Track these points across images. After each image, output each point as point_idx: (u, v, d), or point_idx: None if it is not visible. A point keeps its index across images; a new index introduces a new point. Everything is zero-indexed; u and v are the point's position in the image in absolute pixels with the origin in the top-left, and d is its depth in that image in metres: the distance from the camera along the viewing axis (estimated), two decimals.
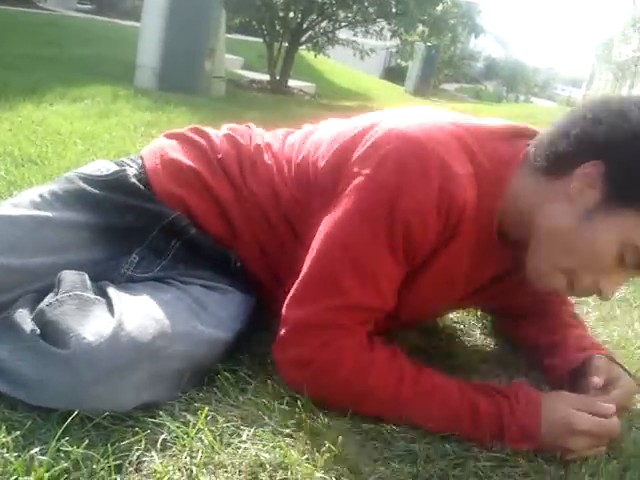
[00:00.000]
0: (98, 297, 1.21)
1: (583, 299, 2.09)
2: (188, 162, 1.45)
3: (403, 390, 1.21)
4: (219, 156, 1.46)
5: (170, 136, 1.55)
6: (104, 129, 3.72)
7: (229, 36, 9.19)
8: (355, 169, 1.23)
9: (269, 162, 1.44)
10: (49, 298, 1.19)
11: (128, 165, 1.45)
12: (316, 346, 1.21)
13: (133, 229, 1.38)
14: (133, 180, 1.41)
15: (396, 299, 1.27)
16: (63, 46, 8.59)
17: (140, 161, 1.47)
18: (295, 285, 1.25)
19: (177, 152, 1.48)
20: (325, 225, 1.24)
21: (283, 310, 1.25)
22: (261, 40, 9.45)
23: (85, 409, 1.09)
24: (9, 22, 10.35)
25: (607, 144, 1.15)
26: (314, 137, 1.44)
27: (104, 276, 1.32)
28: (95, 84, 5.53)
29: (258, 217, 1.42)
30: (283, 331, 1.24)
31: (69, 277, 1.24)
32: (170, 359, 1.18)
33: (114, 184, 1.40)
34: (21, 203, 1.37)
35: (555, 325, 1.57)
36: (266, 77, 9.41)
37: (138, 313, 1.17)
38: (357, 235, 1.20)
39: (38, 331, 1.14)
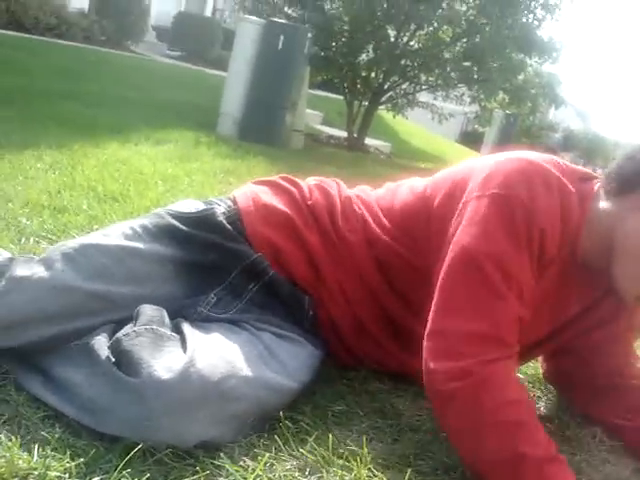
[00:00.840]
0: (173, 334, 1.24)
1: None
2: (280, 206, 1.50)
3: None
4: (309, 203, 1.51)
5: (261, 183, 1.61)
6: (185, 172, 3.82)
7: (311, 91, 9.37)
8: (476, 193, 1.29)
9: (359, 211, 1.49)
10: (127, 329, 1.23)
11: (217, 204, 1.51)
12: (480, 360, 1.19)
13: (215, 267, 1.42)
14: (220, 219, 1.46)
15: None
16: (151, 90, 8.87)
17: (229, 202, 1.52)
18: (437, 297, 1.26)
19: (269, 197, 1.53)
20: (458, 243, 1.27)
21: (430, 324, 1.25)
22: (342, 97, 9.59)
23: (149, 440, 1.11)
24: (101, 63, 10.77)
25: None
26: (409, 183, 1.50)
27: (181, 312, 1.35)
28: (179, 129, 5.69)
29: (346, 263, 1.44)
30: (440, 340, 1.23)
31: (148, 311, 1.27)
32: (236, 401, 1.19)
33: (201, 221, 1.46)
34: (112, 233, 1.42)
35: (638, 403, 1.55)
36: (344, 134, 9.51)
37: (210, 352, 1.20)
38: (501, 244, 1.23)
39: (113, 359, 1.17)
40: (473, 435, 1.18)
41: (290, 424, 1.28)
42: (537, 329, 1.43)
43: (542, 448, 1.16)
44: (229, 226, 1.46)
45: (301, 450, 1.22)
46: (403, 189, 1.51)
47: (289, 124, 6.99)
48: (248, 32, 6.85)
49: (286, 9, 9.05)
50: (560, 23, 9.62)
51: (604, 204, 1.33)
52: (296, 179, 1.61)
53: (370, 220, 1.48)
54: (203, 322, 1.35)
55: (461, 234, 1.27)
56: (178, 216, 1.47)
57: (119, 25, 16.48)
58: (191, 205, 1.51)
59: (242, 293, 1.43)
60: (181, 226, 1.44)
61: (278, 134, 6.78)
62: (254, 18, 7.16)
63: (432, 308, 1.26)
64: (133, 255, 1.38)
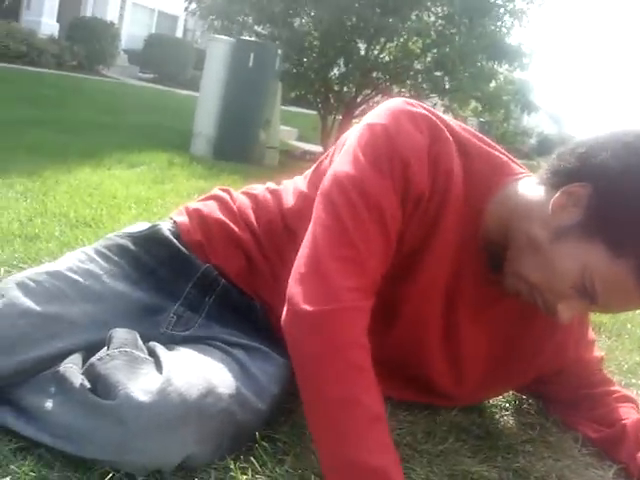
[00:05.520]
0: (147, 357, 1.23)
1: (632, 382, 2.04)
2: (211, 213, 1.52)
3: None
4: (236, 204, 1.53)
5: (200, 199, 1.64)
6: (158, 195, 3.80)
7: (285, 108, 9.39)
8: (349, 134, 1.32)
9: (274, 195, 1.51)
10: (100, 353, 1.21)
11: (162, 223, 1.53)
12: (345, 287, 1.16)
13: (169, 283, 1.43)
14: (167, 234, 1.48)
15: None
16: (123, 113, 8.86)
17: (171, 220, 1.54)
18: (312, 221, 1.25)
19: (199, 205, 1.56)
20: (330, 170, 1.28)
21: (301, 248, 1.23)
22: (316, 112, 9.61)
23: (130, 462, 1.10)
24: (73, 89, 10.76)
25: (601, 170, 1.14)
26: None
27: (145, 333, 1.33)
28: (152, 151, 5.68)
29: (270, 248, 1.46)
30: (307, 264, 1.20)
31: (121, 335, 1.26)
32: (215, 418, 1.17)
33: (150, 239, 1.48)
34: (65, 260, 1.43)
35: (608, 415, 1.54)
36: (319, 148, 9.53)
37: (186, 370, 1.19)
38: (364, 169, 1.22)
39: (88, 385, 1.15)
40: (318, 362, 1.13)
41: (267, 444, 1.25)
42: (433, 301, 1.37)
43: (378, 403, 1.11)
44: (175, 240, 1.47)
45: (278, 471, 1.20)
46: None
47: (263, 141, 7.00)
48: (218, 51, 6.88)
49: (256, 27, 9.08)
50: (529, 30, 9.73)
51: (529, 189, 1.27)
52: (230, 188, 1.63)
53: (284, 196, 1.49)
54: (174, 345, 1.34)
55: (333, 165, 1.29)
56: (127, 236, 1.49)
57: (90, 50, 16.52)
58: (139, 226, 1.53)
59: (200, 307, 1.43)
60: (131, 245, 1.46)
61: (252, 152, 6.78)
62: (224, 37, 7.19)
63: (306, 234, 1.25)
64: (87, 276, 1.38)
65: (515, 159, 1.37)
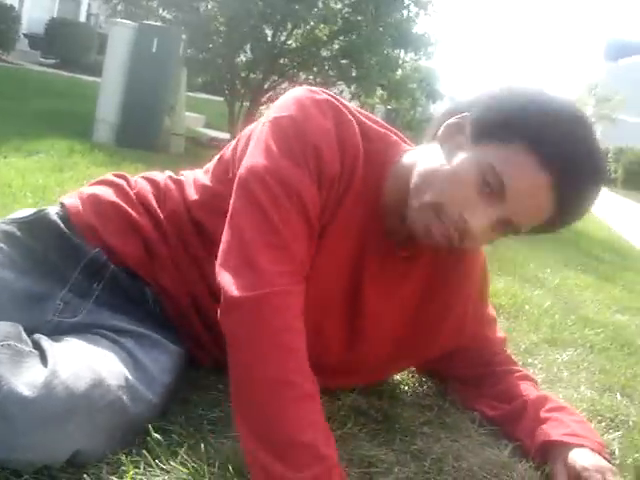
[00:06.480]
0: (32, 349, 1.18)
1: (529, 362, 2.10)
2: (107, 196, 1.48)
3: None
4: (134, 191, 1.51)
5: (91, 183, 1.59)
6: (56, 183, 3.68)
7: (192, 94, 9.27)
8: (261, 122, 1.33)
9: (178, 184, 1.50)
10: None
11: (50, 208, 1.47)
12: (275, 271, 1.18)
13: (56, 269, 1.39)
14: (54, 218, 1.44)
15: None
16: (23, 99, 8.56)
17: (60, 204, 1.49)
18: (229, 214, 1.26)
19: (94, 189, 1.52)
20: (242, 166, 1.28)
21: (223, 241, 1.24)
22: (222, 99, 9.52)
23: (16, 460, 1.06)
24: None
25: (474, 100, 1.28)
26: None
27: (31, 323, 1.29)
28: (52, 138, 5.50)
29: (172, 238, 1.44)
30: (235, 253, 1.21)
31: (3, 328, 1.20)
32: (104, 410, 1.14)
33: (36, 224, 1.43)
34: None
35: (509, 391, 1.58)
36: (226, 136, 9.45)
37: (73, 362, 1.15)
38: (279, 160, 1.24)
39: None
40: (250, 346, 1.15)
41: (160, 437, 1.22)
42: (338, 277, 1.39)
43: (309, 382, 1.14)
44: (63, 225, 1.43)
45: (172, 463, 1.17)
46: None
47: (168, 128, 6.88)
48: (121, 36, 6.73)
49: (161, 11, 8.91)
50: (434, 19, 9.89)
51: (420, 151, 1.33)
52: (125, 174, 1.60)
53: (186, 187, 1.48)
54: (57, 332, 1.30)
55: (245, 158, 1.29)
56: (12, 222, 1.44)
57: None
58: (24, 211, 1.48)
59: (88, 293, 1.39)
60: (16, 231, 1.42)
61: (157, 138, 6.66)
62: (127, 22, 7.02)
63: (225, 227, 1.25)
64: None
65: (406, 139, 1.42)
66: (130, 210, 1.46)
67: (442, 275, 1.50)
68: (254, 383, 1.13)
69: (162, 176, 1.56)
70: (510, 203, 1.19)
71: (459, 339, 1.60)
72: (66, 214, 1.45)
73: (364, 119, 1.36)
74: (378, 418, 1.50)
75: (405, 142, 1.41)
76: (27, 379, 1.08)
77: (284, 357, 1.13)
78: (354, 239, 1.36)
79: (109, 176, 1.58)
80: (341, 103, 1.33)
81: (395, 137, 1.40)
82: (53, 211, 1.46)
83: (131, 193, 1.50)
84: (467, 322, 1.59)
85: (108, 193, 1.50)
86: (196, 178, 1.49)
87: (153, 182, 1.53)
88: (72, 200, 1.49)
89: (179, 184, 1.50)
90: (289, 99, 1.31)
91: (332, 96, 1.33)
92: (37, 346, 1.21)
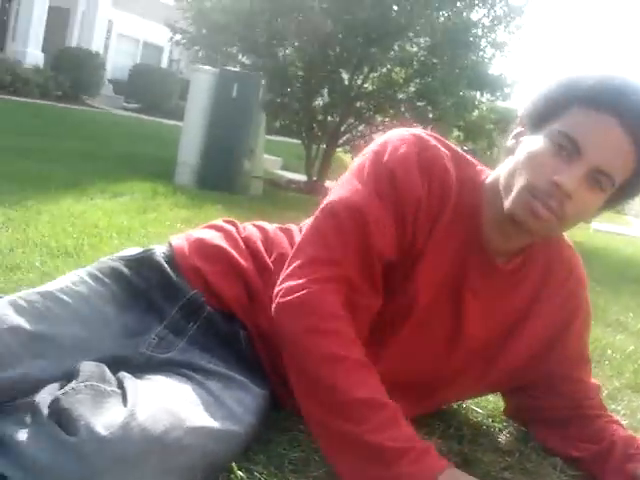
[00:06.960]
0: (114, 389, 1.22)
1: (612, 409, 2.05)
2: (213, 240, 1.56)
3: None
4: (243, 235, 1.58)
5: (201, 227, 1.67)
6: (141, 224, 3.79)
7: (269, 137, 9.41)
8: None
9: (290, 231, 1.60)
10: (66, 387, 1.20)
11: (157, 248, 1.55)
12: (315, 278, 1.29)
13: (156, 306, 1.46)
14: (159, 258, 1.51)
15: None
16: (107, 143, 8.86)
17: (167, 245, 1.57)
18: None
19: (202, 233, 1.60)
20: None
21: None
22: (300, 142, 9.64)
23: None
24: (58, 118, 10.75)
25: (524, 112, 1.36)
26: None
27: (124, 354, 1.36)
28: (136, 180, 5.68)
29: (277, 279, 1.46)
30: (291, 272, 1.33)
31: (87, 368, 1.25)
32: (181, 452, 1.16)
33: (142, 262, 1.51)
34: (58, 282, 1.44)
35: (597, 433, 1.55)
36: (304, 178, 9.55)
37: (152, 404, 1.18)
38: (353, 188, 1.35)
39: (54, 417, 1.14)
40: (300, 343, 1.27)
41: (243, 474, 1.25)
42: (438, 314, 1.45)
43: (357, 355, 1.27)
44: (167, 265, 1.50)
45: None
46: None
47: (247, 170, 7.00)
48: (202, 81, 6.90)
49: (240, 57, 9.13)
50: (510, 60, 9.87)
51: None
52: (235, 220, 1.68)
53: (295, 235, 1.56)
54: (147, 366, 1.35)
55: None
56: (119, 259, 1.52)
57: (75, 80, 16.54)
58: (133, 250, 1.56)
59: (182, 331, 1.45)
60: (123, 268, 1.49)
61: (236, 181, 6.78)
62: (207, 67, 7.21)
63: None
64: (76, 298, 1.40)
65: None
66: (236, 255, 1.52)
67: (549, 291, 1.52)
68: (307, 363, 1.25)
69: (271, 226, 1.64)
70: (589, 154, 1.23)
71: (557, 364, 1.58)
72: (172, 254, 1.52)
73: (456, 148, 1.43)
74: (458, 462, 1.49)
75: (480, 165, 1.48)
76: (106, 419, 1.11)
77: (328, 339, 1.25)
78: (452, 260, 1.41)
79: (219, 221, 1.65)
80: (431, 135, 1.40)
81: (480, 166, 1.47)
82: (160, 250, 1.53)
83: (239, 239, 1.57)
84: (568, 348, 1.59)
85: (215, 237, 1.57)
86: (302, 227, 1.55)
87: (262, 229, 1.61)
88: (179, 241, 1.56)
89: (288, 232, 1.58)
90: (380, 139, 1.40)
91: (422, 131, 1.42)
92: (120, 385, 1.24)
